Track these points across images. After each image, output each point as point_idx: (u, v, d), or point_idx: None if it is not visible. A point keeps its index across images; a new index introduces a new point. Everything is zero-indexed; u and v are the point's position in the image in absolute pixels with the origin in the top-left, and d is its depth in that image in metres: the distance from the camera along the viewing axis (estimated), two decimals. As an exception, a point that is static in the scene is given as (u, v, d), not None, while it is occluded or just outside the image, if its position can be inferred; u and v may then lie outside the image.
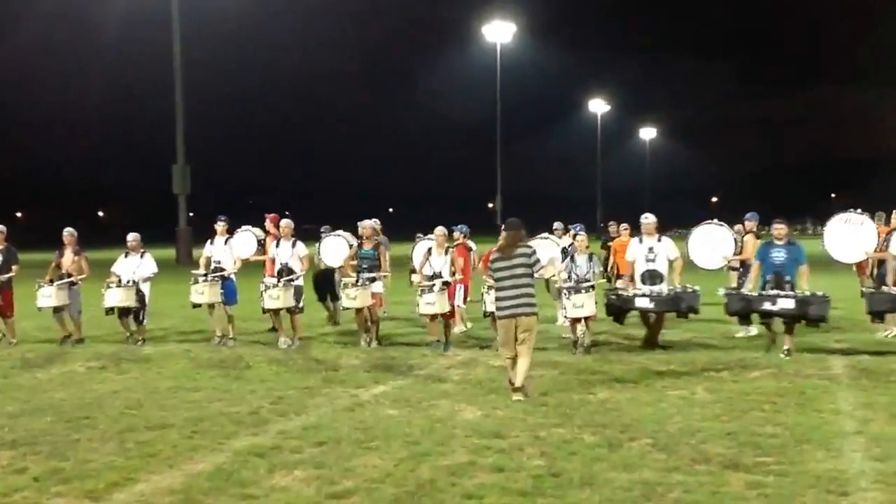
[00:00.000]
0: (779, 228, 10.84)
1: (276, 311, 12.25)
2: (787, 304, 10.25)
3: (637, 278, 11.36)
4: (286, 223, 12.51)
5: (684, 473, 5.82)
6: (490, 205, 72.89)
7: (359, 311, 12.05)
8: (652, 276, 11.23)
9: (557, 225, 14.96)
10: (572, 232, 13.64)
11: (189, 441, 6.96)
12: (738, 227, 13.88)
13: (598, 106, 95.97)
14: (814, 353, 10.71)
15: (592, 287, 10.99)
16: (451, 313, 12.08)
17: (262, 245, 13.42)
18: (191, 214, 43.91)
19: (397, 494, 5.53)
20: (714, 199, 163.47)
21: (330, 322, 14.75)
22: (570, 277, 11.35)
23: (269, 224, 13.67)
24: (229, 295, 12.64)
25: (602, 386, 8.93)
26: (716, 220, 12.29)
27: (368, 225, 12.33)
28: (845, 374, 9.35)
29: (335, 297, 14.36)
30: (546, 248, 12.54)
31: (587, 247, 11.75)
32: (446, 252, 11.94)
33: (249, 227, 13.73)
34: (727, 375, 9.37)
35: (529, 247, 8.79)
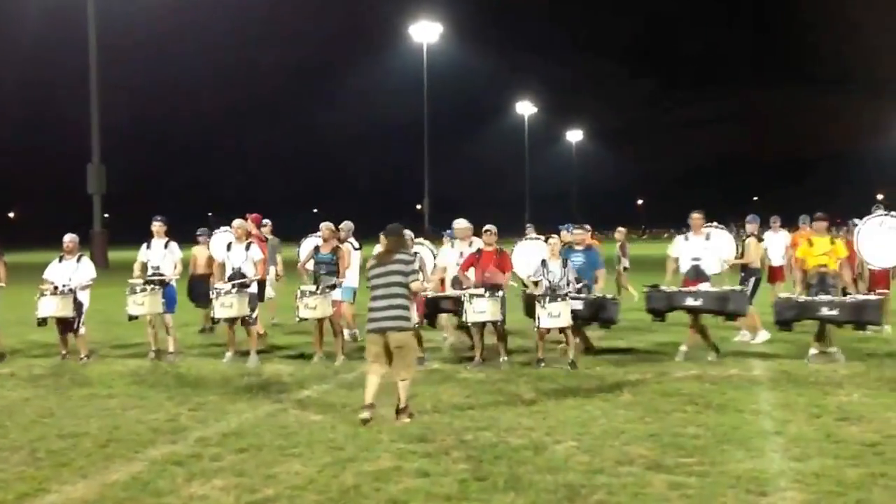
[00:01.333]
0: (578, 234, 11.62)
1: (230, 323, 11.14)
2: (576, 306, 10.60)
3: (448, 283, 11.42)
4: (239, 223, 11.63)
5: (608, 475, 5.85)
6: (418, 206, 72.79)
7: (319, 321, 10.97)
8: (460, 281, 11.16)
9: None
10: (563, 232, 12.90)
11: (103, 450, 6.74)
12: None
13: (526, 108, 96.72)
14: (735, 356, 10.92)
15: (567, 295, 10.46)
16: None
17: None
18: (105, 216, 42.77)
19: (320, 501, 5.44)
20: (640, 202, 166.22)
21: (206, 324, 13.99)
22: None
23: (249, 225, 12.62)
24: (169, 303, 11.55)
25: (527, 389, 8.95)
26: (715, 224, 12.22)
27: (326, 226, 11.39)
28: (765, 376, 9.55)
29: (207, 304, 12.85)
30: (534, 250, 12.22)
31: (564, 247, 11.44)
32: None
33: (228, 227, 12.97)
34: (650, 378, 9.49)
35: (409, 254, 8.09)
